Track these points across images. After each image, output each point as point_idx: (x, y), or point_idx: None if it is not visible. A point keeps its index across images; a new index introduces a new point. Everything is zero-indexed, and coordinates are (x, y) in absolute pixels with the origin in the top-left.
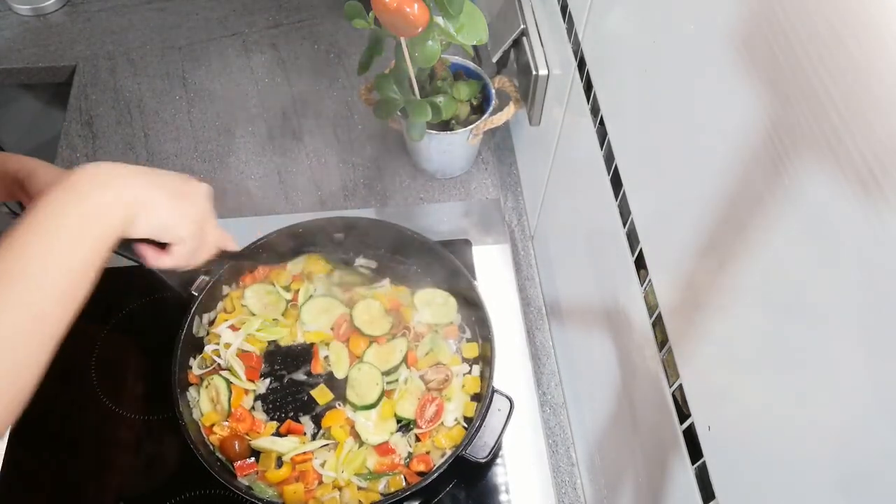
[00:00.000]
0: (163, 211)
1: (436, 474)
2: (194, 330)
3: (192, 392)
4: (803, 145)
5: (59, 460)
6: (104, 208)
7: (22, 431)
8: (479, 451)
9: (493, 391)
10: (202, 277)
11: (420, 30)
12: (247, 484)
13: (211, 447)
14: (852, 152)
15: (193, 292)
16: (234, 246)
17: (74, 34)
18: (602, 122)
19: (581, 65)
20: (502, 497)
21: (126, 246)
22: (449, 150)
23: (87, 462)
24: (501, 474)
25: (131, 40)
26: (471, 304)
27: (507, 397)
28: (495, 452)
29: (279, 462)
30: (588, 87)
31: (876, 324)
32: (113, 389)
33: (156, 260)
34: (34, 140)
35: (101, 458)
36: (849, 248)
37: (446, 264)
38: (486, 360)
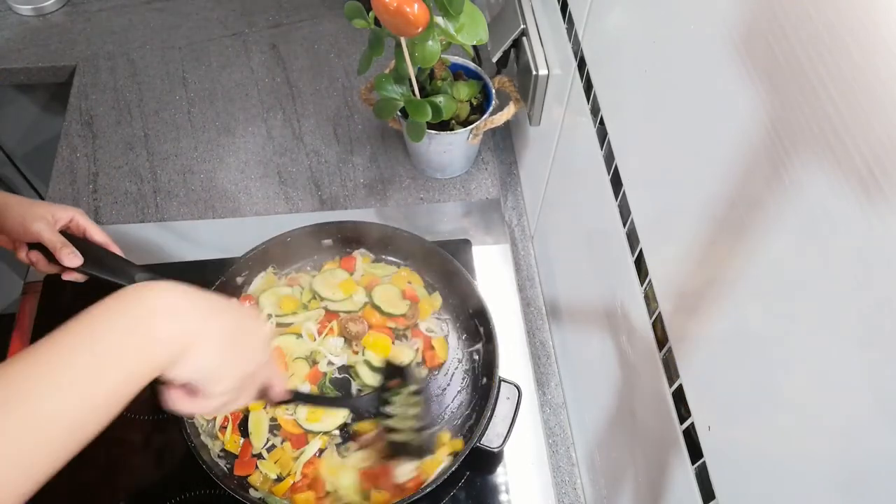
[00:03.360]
0: (210, 360)
1: (455, 466)
2: None
3: (198, 418)
4: (803, 145)
5: None
6: (149, 343)
7: None
8: (493, 441)
9: (501, 381)
10: None
11: (420, 30)
12: (261, 497)
13: (224, 467)
14: (852, 152)
15: None
16: (283, 392)
17: (74, 34)
18: (602, 122)
19: (581, 65)
20: (502, 497)
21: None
22: (449, 150)
23: (89, 462)
24: (501, 474)
25: (131, 40)
26: (470, 302)
27: (516, 385)
28: (505, 440)
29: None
30: (588, 87)
31: (876, 324)
32: None
33: (178, 403)
34: (34, 140)
35: (103, 458)
36: (849, 248)
37: (444, 264)
38: (486, 350)
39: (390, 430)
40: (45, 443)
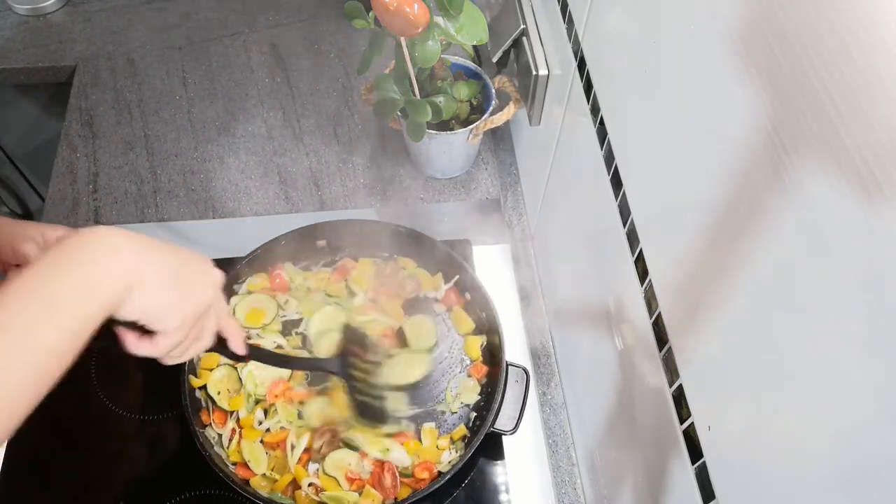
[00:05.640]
0: (156, 297)
1: (470, 453)
2: (195, 360)
3: (209, 431)
4: (803, 145)
5: (59, 460)
6: (97, 287)
7: (21, 432)
8: (506, 424)
9: (508, 364)
10: None
11: (420, 30)
12: (269, 496)
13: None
14: (852, 152)
15: None
16: (239, 346)
17: (74, 34)
18: (602, 122)
19: (581, 65)
20: (502, 497)
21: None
22: (449, 150)
23: (86, 462)
24: (501, 474)
25: (131, 40)
26: (472, 292)
27: (523, 368)
28: (518, 422)
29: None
30: (588, 87)
31: (876, 323)
32: (112, 389)
33: (135, 346)
34: (34, 140)
35: (100, 459)
36: (849, 249)
37: (442, 255)
38: (491, 340)
39: (354, 390)
40: (4, 392)
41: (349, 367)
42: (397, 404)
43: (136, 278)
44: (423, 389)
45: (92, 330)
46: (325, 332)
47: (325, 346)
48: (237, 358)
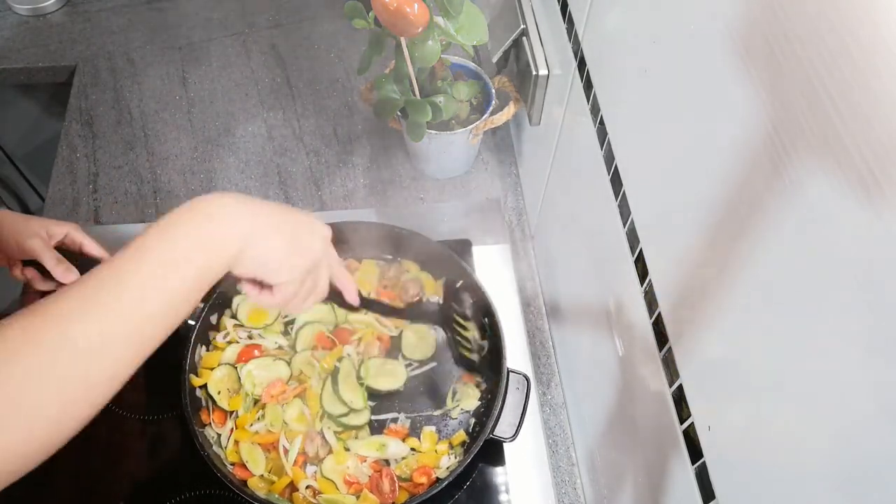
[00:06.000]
0: (271, 252)
1: (469, 458)
2: (196, 359)
3: (208, 431)
4: (803, 145)
5: (58, 460)
6: (215, 242)
7: None
8: (506, 431)
9: (509, 371)
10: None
11: (420, 30)
12: (266, 497)
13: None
14: (852, 152)
15: (189, 321)
16: (354, 297)
17: (74, 34)
18: (602, 122)
19: (581, 65)
20: (502, 497)
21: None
22: (449, 150)
23: (86, 462)
24: (501, 474)
25: (131, 40)
26: (474, 296)
27: (524, 375)
28: (518, 430)
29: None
30: (588, 87)
31: (876, 323)
32: None
33: (257, 297)
34: (34, 140)
35: (100, 459)
36: (849, 248)
37: (444, 259)
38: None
39: (453, 341)
40: (133, 333)
41: (450, 319)
42: (358, 399)
43: (248, 238)
44: (403, 396)
45: (211, 283)
46: (309, 323)
47: (304, 338)
48: (351, 308)
